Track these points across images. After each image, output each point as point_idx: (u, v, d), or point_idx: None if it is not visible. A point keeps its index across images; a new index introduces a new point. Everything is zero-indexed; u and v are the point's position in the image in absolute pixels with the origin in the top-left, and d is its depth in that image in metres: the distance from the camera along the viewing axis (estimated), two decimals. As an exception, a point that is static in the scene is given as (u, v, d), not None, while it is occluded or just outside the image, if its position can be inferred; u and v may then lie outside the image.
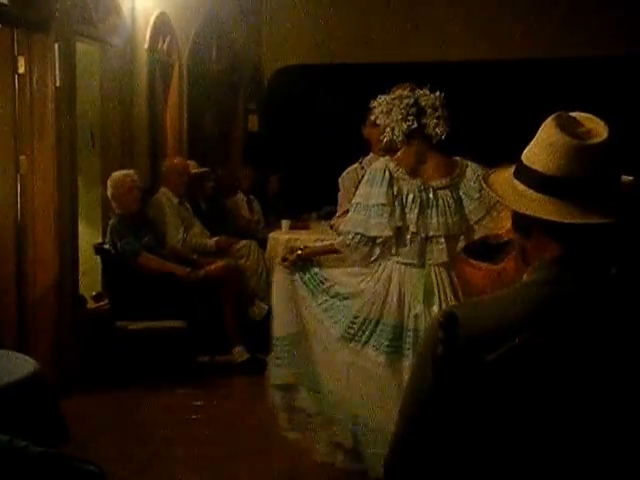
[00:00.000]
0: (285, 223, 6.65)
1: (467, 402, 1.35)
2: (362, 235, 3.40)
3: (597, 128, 1.40)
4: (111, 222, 5.42)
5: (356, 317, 3.43)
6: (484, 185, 1.51)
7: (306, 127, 8.78)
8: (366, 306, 3.42)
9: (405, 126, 3.41)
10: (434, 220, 3.37)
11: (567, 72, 8.56)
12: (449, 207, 3.39)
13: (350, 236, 3.43)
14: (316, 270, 3.58)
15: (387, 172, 3.39)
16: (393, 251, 3.40)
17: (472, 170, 3.45)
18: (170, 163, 6.26)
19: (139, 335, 5.20)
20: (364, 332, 3.41)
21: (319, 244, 3.92)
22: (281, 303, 3.62)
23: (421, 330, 3.30)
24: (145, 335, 5.20)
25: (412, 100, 3.42)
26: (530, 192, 1.40)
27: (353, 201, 3.50)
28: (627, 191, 1.43)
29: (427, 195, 3.38)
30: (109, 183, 5.45)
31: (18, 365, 3.18)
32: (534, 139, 1.44)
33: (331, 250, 3.60)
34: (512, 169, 1.48)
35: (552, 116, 1.43)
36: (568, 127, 1.40)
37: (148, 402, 4.90)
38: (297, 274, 3.58)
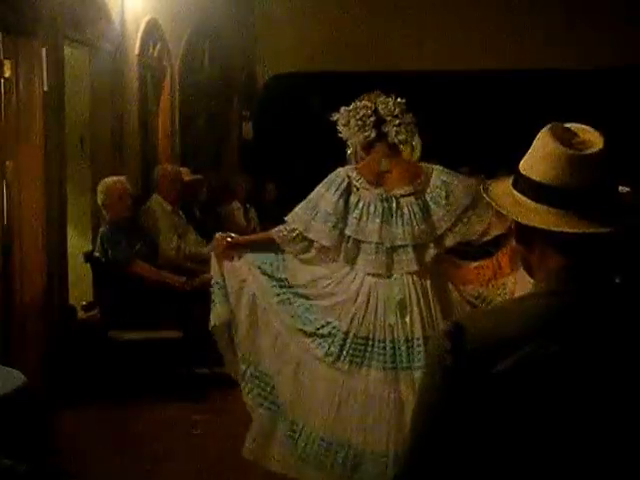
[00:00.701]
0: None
1: (478, 413, 1.33)
2: (300, 232, 3.40)
3: (592, 138, 1.40)
4: (102, 229, 5.31)
5: (318, 319, 3.40)
6: (485, 196, 1.49)
7: (301, 134, 8.74)
8: (332, 312, 3.38)
9: (362, 137, 3.39)
10: (399, 229, 3.33)
11: (561, 83, 8.66)
12: (415, 215, 3.34)
13: (289, 228, 3.43)
14: (278, 273, 3.50)
15: (345, 182, 3.37)
16: (341, 258, 3.37)
17: (437, 175, 3.40)
18: (163, 170, 6.15)
19: (132, 346, 5.04)
20: (323, 336, 3.37)
21: (254, 236, 4.02)
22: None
23: (397, 340, 3.28)
24: (139, 346, 5.04)
25: (369, 111, 3.38)
26: (530, 202, 1.40)
27: (308, 196, 3.46)
28: (629, 201, 1.43)
29: (390, 204, 3.34)
30: (99, 189, 5.34)
31: (5, 379, 3.08)
32: (530, 150, 1.44)
33: (264, 240, 3.60)
34: (511, 179, 1.47)
35: (547, 127, 1.42)
36: (563, 137, 1.40)
37: (143, 416, 4.75)
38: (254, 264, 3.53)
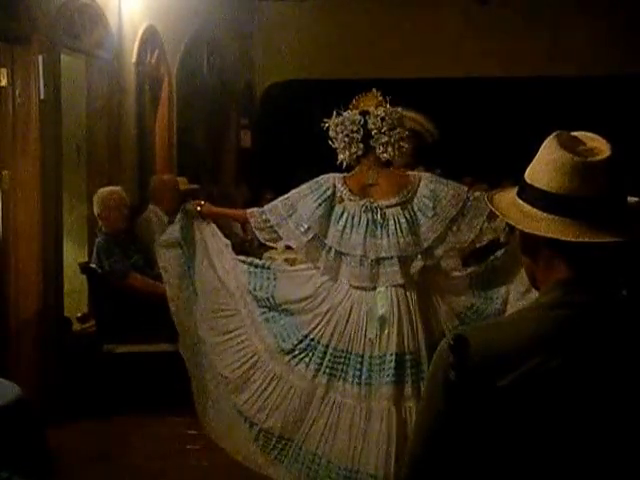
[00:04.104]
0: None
1: (481, 428, 1.31)
2: (272, 226, 3.41)
3: (599, 146, 1.38)
4: (98, 240, 5.22)
5: (295, 334, 3.37)
6: (489, 206, 1.47)
7: (300, 143, 8.70)
8: (311, 325, 3.34)
9: (348, 154, 3.35)
10: (384, 241, 3.27)
11: (566, 91, 8.62)
12: (400, 227, 3.28)
13: (263, 217, 3.43)
14: (265, 293, 3.46)
15: (330, 191, 3.35)
16: (321, 269, 3.34)
17: (425, 184, 3.34)
18: (159, 180, 6.09)
19: (128, 359, 4.97)
20: (303, 350, 3.34)
21: (228, 210, 4.02)
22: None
23: (373, 357, 3.23)
24: (134, 359, 4.97)
25: (356, 127, 3.34)
26: (535, 211, 1.38)
27: (292, 191, 3.44)
28: (638, 210, 1.40)
29: (374, 215, 3.29)
30: (95, 200, 5.26)
31: (1, 391, 3.00)
32: (536, 158, 1.42)
33: (236, 216, 3.74)
34: (516, 189, 1.45)
35: (552, 135, 1.41)
36: (570, 145, 1.38)
37: (138, 431, 4.68)
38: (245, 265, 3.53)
